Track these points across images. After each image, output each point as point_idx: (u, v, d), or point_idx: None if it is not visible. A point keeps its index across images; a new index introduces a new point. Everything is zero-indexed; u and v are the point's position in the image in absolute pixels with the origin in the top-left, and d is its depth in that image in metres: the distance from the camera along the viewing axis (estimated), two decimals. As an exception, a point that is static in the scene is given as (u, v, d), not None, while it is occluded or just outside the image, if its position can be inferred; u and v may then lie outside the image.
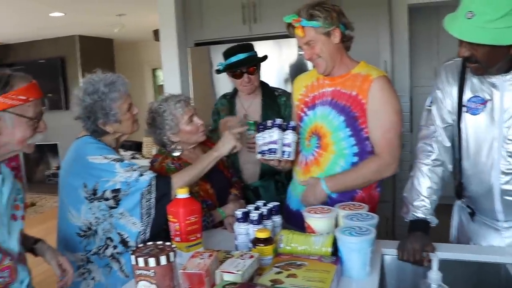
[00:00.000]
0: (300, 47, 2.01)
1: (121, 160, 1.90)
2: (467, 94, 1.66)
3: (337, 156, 1.98)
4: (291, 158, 1.97)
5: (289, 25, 1.95)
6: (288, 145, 1.95)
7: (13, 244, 1.56)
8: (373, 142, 1.97)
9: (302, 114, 2.10)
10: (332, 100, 1.99)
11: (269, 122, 1.96)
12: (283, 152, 1.95)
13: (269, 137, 1.93)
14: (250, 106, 2.61)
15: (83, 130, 1.98)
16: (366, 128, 1.96)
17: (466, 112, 1.66)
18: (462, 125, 1.69)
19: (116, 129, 1.96)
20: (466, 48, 1.48)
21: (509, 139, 1.57)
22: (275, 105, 2.56)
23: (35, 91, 1.50)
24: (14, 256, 1.55)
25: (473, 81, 1.64)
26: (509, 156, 1.59)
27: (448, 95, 1.73)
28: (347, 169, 1.98)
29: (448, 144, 1.77)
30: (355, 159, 1.99)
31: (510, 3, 1.34)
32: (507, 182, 1.62)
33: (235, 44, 2.68)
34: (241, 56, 2.51)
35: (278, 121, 1.96)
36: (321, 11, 1.89)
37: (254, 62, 2.53)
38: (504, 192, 1.63)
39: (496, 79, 1.57)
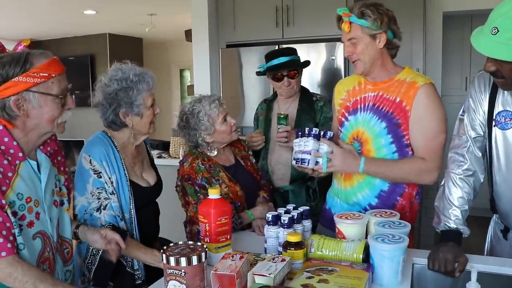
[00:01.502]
0: (345, 42, 1.96)
1: (99, 175, 1.83)
2: (498, 107, 1.63)
3: None
4: (323, 171, 1.89)
5: (339, 18, 1.92)
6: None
7: (53, 231, 1.56)
8: (415, 149, 1.92)
9: (343, 119, 2.07)
10: (374, 106, 1.96)
11: (306, 130, 1.93)
12: (316, 162, 1.89)
13: (304, 146, 1.90)
14: (287, 109, 2.59)
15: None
16: (408, 135, 1.92)
17: (495, 126, 1.64)
18: (492, 139, 1.66)
19: (135, 124, 1.90)
20: (492, 63, 1.46)
21: None
22: (312, 110, 2.55)
23: (57, 66, 1.45)
24: (54, 245, 1.56)
25: (504, 94, 1.61)
26: None
27: (480, 106, 1.70)
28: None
29: (479, 154, 1.74)
30: None
31: None
32: None
33: (275, 48, 2.70)
34: (282, 59, 2.51)
35: (315, 130, 1.92)
36: (373, 12, 1.85)
37: (296, 66, 2.53)
38: None
39: None
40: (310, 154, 1.88)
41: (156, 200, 2.12)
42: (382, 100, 1.95)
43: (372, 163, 1.90)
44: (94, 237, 1.68)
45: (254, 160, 2.40)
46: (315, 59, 3.80)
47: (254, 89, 3.98)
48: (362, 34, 1.88)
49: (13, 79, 1.37)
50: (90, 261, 1.83)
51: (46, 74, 1.41)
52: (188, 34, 5.86)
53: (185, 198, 2.11)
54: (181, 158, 2.25)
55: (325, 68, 3.79)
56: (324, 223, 2.16)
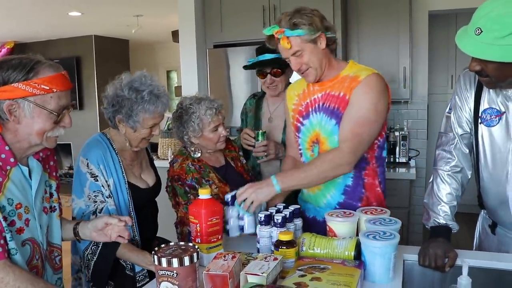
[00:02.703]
0: (286, 58, 1.91)
1: (95, 178, 1.83)
2: (484, 105, 1.66)
3: None
4: (245, 213, 1.80)
5: (271, 38, 1.88)
6: (241, 218, 1.83)
7: (43, 238, 1.54)
8: (339, 134, 1.86)
9: (299, 124, 2.04)
10: (324, 105, 1.94)
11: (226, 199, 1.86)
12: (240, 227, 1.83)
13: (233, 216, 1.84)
14: (276, 109, 2.58)
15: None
16: None
17: (481, 123, 1.66)
18: (479, 136, 1.68)
19: (127, 133, 1.90)
20: (477, 63, 1.48)
21: None
22: None
23: (62, 82, 1.42)
24: (43, 253, 1.54)
25: (489, 92, 1.64)
26: None
27: (466, 103, 1.72)
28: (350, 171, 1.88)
29: (466, 151, 1.77)
30: None
31: None
32: None
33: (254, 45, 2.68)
34: (267, 56, 2.48)
35: (226, 198, 1.85)
36: (303, 18, 1.81)
37: (279, 65, 2.48)
38: None
39: (511, 91, 1.56)
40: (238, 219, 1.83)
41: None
42: (329, 97, 1.93)
43: (285, 177, 1.81)
44: (97, 223, 1.66)
45: (244, 161, 2.39)
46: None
47: (242, 89, 3.98)
48: (303, 44, 1.83)
49: (12, 84, 1.35)
50: (86, 264, 1.84)
51: (47, 88, 1.38)
52: (175, 35, 5.85)
53: (175, 198, 2.10)
54: (169, 160, 2.24)
55: (313, 67, 3.79)
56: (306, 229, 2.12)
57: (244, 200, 1.76)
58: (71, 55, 7.91)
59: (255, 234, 1.77)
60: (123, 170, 1.91)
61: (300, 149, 2.08)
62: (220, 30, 4.15)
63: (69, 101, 1.47)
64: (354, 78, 1.89)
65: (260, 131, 2.42)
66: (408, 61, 3.85)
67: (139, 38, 8.06)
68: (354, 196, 1.98)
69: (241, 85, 4.00)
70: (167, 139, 3.97)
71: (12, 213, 1.41)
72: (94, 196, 1.83)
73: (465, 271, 1.33)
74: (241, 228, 1.80)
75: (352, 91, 1.86)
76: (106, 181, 1.85)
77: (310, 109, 1.99)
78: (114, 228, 1.64)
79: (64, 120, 1.47)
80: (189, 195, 2.04)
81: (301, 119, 2.03)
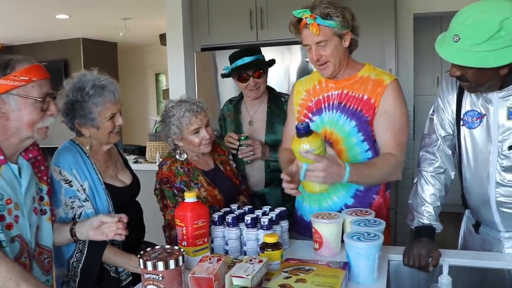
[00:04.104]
0: (306, 46, 1.88)
1: (70, 184, 1.82)
2: (466, 107, 1.68)
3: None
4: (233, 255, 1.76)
5: (298, 22, 1.85)
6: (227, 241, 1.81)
7: (31, 238, 1.54)
8: (382, 144, 1.90)
9: (307, 120, 2.01)
10: (341, 104, 1.95)
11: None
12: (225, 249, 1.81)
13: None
14: (256, 112, 2.56)
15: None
16: None
17: (463, 125, 1.69)
18: (461, 138, 1.71)
19: (93, 134, 1.88)
20: (457, 68, 1.50)
21: (503, 154, 1.59)
22: (281, 112, 2.49)
23: (39, 72, 1.47)
24: (31, 252, 1.54)
25: (471, 94, 1.66)
26: (503, 170, 1.61)
27: (448, 105, 1.75)
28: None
29: (449, 152, 1.80)
30: None
31: (493, 28, 1.35)
32: (501, 195, 1.64)
33: (241, 48, 2.64)
34: (247, 59, 2.46)
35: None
36: (338, 11, 1.80)
37: (260, 66, 2.48)
38: (499, 204, 1.65)
39: (491, 95, 1.59)
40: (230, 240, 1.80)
41: (140, 198, 2.12)
42: (348, 98, 1.93)
43: (356, 172, 1.71)
44: (93, 222, 1.68)
45: (234, 165, 2.40)
46: (289, 62, 3.82)
47: (229, 92, 3.97)
48: (331, 36, 1.83)
49: None
50: (73, 273, 1.83)
51: (27, 78, 1.43)
52: (162, 38, 5.84)
53: (163, 201, 2.10)
54: (157, 163, 2.24)
55: (300, 70, 3.81)
56: (297, 230, 2.11)
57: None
58: (59, 57, 7.89)
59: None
60: (98, 172, 1.90)
61: None
62: (207, 33, 4.16)
63: (50, 90, 1.51)
64: (378, 82, 1.90)
65: (243, 136, 2.43)
66: (394, 63, 3.88)
67: (128, 41, 8.05)
68: (364, 201, 1.97)
69: (229, 88, 4.00)
70: (154, 142, 3.95)
71: (2, 208, 1.43)
72: (71, 202, 1.82)
73: (445, 270, 1.35)
74: (226, 251, 1.79)
75: (380, 96, 1.88)
76: (81, 185, 1.84)
77: (323, 106, 1.98)
78: (111, 227, 1.66)
79: (50, 108, 1.52)
80: (177, 198, 2.04)
81: (310, 115, 2.02)
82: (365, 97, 1.91)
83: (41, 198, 1.64)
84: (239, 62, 2.48)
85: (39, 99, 1.47)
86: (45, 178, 1.67)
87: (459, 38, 1.41)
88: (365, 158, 1.94)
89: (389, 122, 1.88)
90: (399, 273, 1.75)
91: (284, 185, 1.74)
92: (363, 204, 1.96)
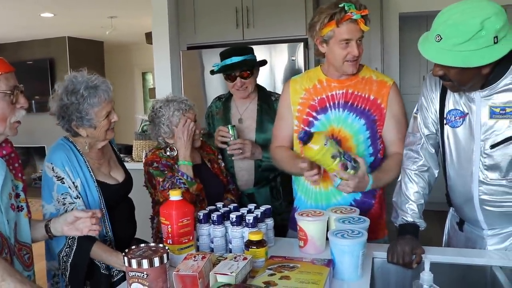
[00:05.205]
0: (345, 40, 1.88)
1: (62, 181, 1.84)
2: (449, 106, 1.70)
3: None
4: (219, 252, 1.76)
5: (343, 17, 1.84)
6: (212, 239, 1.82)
7: (10, 234, 1.53)
8: (390, 143, 2.02)
9: (311, 118, 2.03)
10: (348, 103, 1.99)
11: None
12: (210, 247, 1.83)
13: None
14: (246, 110, 2.56)
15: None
16: (380, 130, 2.00)
17: (446, 124, 1.71)
18: (444, 136, 1.73)
19: (90, 134, 1.90)
20: (439, 68, 1.52)
21: (485, 153, 1.61)
22: (271, 111, 2.49)
23: (2, 65, 1.46)
24: (11, 248, 1.53)
25: (454, 93, 1.68)
26: (485, 169, 1.63)
27: (431, 104, 1.76)
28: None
29: (433, 151, 1.81)
30: (371, 159, 2.02)
31: (474, 28, 1.37)
32: (484, 193, 1.66)
33: (233, 46, 2.64)
34: (235, 59, 2.45)
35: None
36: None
37: (248, 67, 2.47)
38: (482, 202, 1.67)
39: (473, 94, 1.60)
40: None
41: (130, 196, 2.14)
42: (355, 97, 1.98)
43: (376, 183, 1.90)
44: (67, 218, 1.67)
45: (223, 164, 2.40)
46: (275, 60, 3.83)
47: (216, 90, 3.96)
48: (363, 32, 1.90)
49: None
50: (63, 267, 1.84)
51: None
52: (148, 36, 5.82)
53: (151, 182, 2.14)
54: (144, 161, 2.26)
55: (286, 68, 3.82)
56: (295, 228, 2.06)
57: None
58: (44, 56, 7.81)
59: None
60: (90, 169, 1.92)
61: None
62: (193, 32, 4.16)
63: (17, 82, 1.50)
64: (382, 84, 2.00)
65: (230, 125, 2.43)
66: (380, 63, 3.91)
67: (114, 39, 7.99)
68: (369, 193, 2.02)
69: (216, 86, 4.00)
70: (141, 141, 3.94)
71: None
72: (63, 198, 1.84)
73: (427, 266, 1.36)
74: (211, 248, 1.80)
75: (386, 97, 1.98)
76: (73, 182, 1.85)
77: (328, 105, 2.01)
78: (85, 222, 1.65)
79: (19, 100, 1.50)
80: (165, 172, 2.10)
81: (314, 114, 2.03)
82: (372, 97, 1.98)
83: (17, 195, 1.63)
84: (228, 61, 2.48)
85: (7, 92, 1.45)
86: (19, 175, 1.66)
87: (441, 38, 1.43)
88: (368, 153, 2.01)
89: (396, 123, 2.00)
90: (383, 270, 1.76)
91: (306, 173, 1.82)
92: (368, 197, 2.04)
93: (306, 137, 1.72)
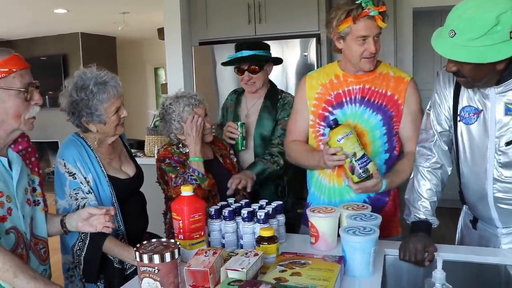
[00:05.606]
0: (362, 37, 1.87)
1: (74, 176, 1.86)
2: (463, 102, 1.67)
3: (373, 156, 1.95)
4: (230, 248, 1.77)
5: (360, 13, 1.83)
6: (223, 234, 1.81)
7: (26, 229, 1.55)
8: (407, 139, 2.01)
9: (327, 113, 2.02)
10: (364, 99, 1.98)
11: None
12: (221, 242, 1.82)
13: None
14: (253, 106, 2.58)
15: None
16: (397, 126, 2.00)
17: (460, 121, 1.68)
18: (458, 134, 1.71)
19: (100, 129, 1.91)
20: (453, 64, 1.50)
21: (500, 150, 1.59)
22: (274, 109, 2.51)
23: (18, 61, 1.46)
24: (27, 243, 1.55)
25: (468, 90, 1.65)
26: (500, 166, 1.60)
27: (445, 101, 1.74)
28: (382, 166, 2.00)
29: (446, 148, 1.79)
30: (387, 155, 2.01)
31: (489, 23, 1.35)
32: (499, 191, 1.63)
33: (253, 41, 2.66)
34: (245, 53, 2.47)
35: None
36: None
37: (257, 62, 2.48)
38: (496, 200, 1.65)
39: (487, 90, 1.58)
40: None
41: (142, 191, 2.15)
42: (372, 92, 1.97)
43: (389, 185, 1.91)
44: (82, 215, 1.69)
45: (235, 159, 2.41)
46: (288, 56, 3.82)
47: (227, 86, 3.97)
48: (381, 29, 1.89)
49: None
50: (77, 261, 1.85)
51: (6, 69, 1.42)
52: (160, 32, 5.82)
53: (164, 178, 2.15)
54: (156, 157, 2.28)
55: (298, 64, 3.81)
56: (307, 224, 2.04)
57: None
58: (57, 52, 7.85)
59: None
60: (101, 165, 1.93)
61: (322, 138, 2.03)
62: (205, 27, 4.16)
63: (32, 79, 1.50)
64: (399, 80, 1.99)
65: (239, 123, 2.46)
66: (393, 58, 3.88)
67: (126, 35, 8.01)
68: (376, 204, 1.99)
69: (227, 82, 4.00)
70: (153, 136, 3.95)
71: None
72: (75, 194, 1.86)
73: (439, 264, 1.35)
74: (222, 244, 1.79)
75: (404, 94, 1.97)
76: (85, 178, 1.87)
77: (344, 100, 2.00)
78: (99, 219, 1.67)
79: (33, 97, 1.51)
80: (177, 168, 2.11)
81: (330, 109, 2.02)
82: (389, 93, 1.97)
83: (34, 189, 1.65)
84: (238, 55, 2.51)
85: (22, 89, 1.46)
86: (36, 169, 1.68)
87: (455, 33, 1.40)
88: (383, 150, 2.01)
89: (413, 119, 1.98)
90: (395, 267, 1.75)
91: (330, 157, 1.81)
92: (382, 194, 2.01)
93: (333, 124, 1.78)
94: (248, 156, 2.55)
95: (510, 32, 1.35)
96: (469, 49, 1.39)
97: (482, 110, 1.61)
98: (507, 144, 1.57)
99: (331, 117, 1.91)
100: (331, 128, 1.79)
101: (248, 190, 2.26)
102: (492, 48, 1.37)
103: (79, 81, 1.86)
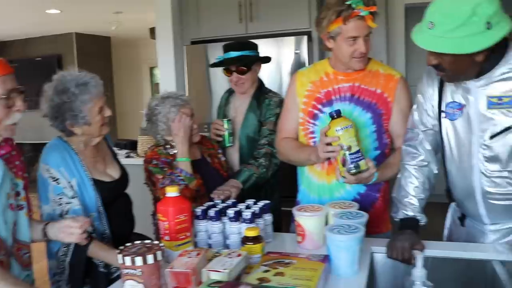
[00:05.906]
0: (352, 37, 1.85)
1: (57, 181, 1.83)
2: (447, 99, 1.68)
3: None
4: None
5: (351, 14, 1.81)
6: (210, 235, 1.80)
7: (7, 235, 1.53)
8: (397, 135, 2.00)
9: (316, 111, 2.02)
10: (354, 96, 1.97)
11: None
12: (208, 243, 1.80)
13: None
14: (240, 106, 2.57)
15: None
16: (387, 124, 2.00)
17: (445, 117, 1.69)
18: (443, 130, 1.71)
19: (85, 131, 1.89)
20: (433, 57, 1.51)
21: (485, 144, 1.59)
22: (258, 109, 2.50)
23: (1, 67, 1.43)
24: (8, 249, 1.53)
25: (451, 85, 1.66)
26: (486, 160, 1.60)
27: (428, 99, 1.75)
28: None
29: (430, 147, 1.79)
30: (377, 153, 2.00)
31: (466, 13, 1.36)
32: (487, 186, 1.63)
33: (238, 40, 2.65)
34: (232, 54, 2.47)
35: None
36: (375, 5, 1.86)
37: (245, 63, 2.47)
38: (485, 195, 1.65)
39: (469, 84, 1.58)
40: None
41: (131, 192, 2.14)
42: (361, 90, 1.97)
43: (380, 177, 1.89)
44: (60, 225, 1.68)
45: (223, 159, 2.40)
46: (279, 54, 3.81)
47: (221, 85, 3.96)
48: (371, 28, 1.87)
49: None
50: (62, 266, 1.84)
51: None
52: (152, 32, 5.83)
53: (151, 179, 2.15)
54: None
55: (290, 62, 3.80)
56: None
57: None
58: (52, 53, 7.85)
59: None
60: (86, 168, 1.91)
61: (313, 136, 2.04)
62: (197, 26, 4.15)
63: (16, 85, 1.47)
64: (389, 77, 1.98)
65: (226, 119, 2.46)
66: (385, 55, 3.87)
67: (121, 35, 8.01)
68: (373, 187, 2.01)
69: (220, 81, 3.99)
70: (146, 136, 3.94)
71: None
72: (59, 199, 1.83)
73: (419, 263, 1.35)
74: (209, 244, 1.78)
75: (393, 91, 1.97)
76: (69, 182, 1.85)
77: (333, 98, 2.00)
78: (74, 230, 1.65)
79: (16, 104, 1.48)
80: (165, 169, 2.10)
81: (319, 106, 2.02)
82: (378, 91, 1.97)
83: (17, 194, 1.62)
84: (225, 56, 2.50)
85: (3, 96, 1.43)
86: (20, 173, 1.65)
87: (433, 25, 1.42)
88: (373, 147, 2.00)
89: (403, 117, 1.96)
90: (385, 265, 1.74)
91: (325, 147, 1.79)
92: (373, 190, 2.02)
93: (335, 114, 1.77)
94: (234, 158, 2.54)
95: (486, 23, 1.37)
96: (446, 40, 1.41)
97: (465, 105, 1.62)
98: (491, 137, 1.57)
99: (335, 108, 1.86)
100: (333, 118, 1.77)
101: (232, 198, 2.18)
102: (469, 39, 1.39)
103: (59, 84, 1.84)
